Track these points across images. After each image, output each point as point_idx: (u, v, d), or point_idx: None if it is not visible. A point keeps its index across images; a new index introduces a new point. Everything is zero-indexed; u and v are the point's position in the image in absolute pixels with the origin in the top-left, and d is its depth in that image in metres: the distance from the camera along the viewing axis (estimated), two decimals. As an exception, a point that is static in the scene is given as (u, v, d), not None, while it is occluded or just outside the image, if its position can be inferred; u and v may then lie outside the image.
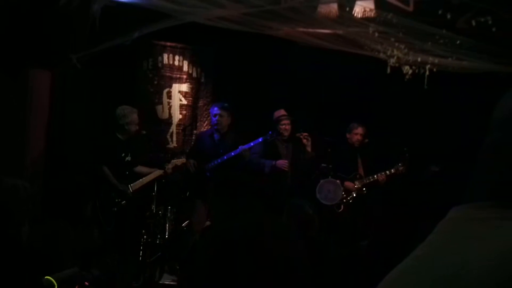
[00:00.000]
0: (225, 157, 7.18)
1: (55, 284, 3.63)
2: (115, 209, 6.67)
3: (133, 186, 6.78)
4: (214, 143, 7.40)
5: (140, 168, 7.04)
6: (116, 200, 6.70)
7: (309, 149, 7.50)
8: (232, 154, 7.17)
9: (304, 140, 7.46)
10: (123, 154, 6.82)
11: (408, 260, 0.91)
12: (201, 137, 7.74)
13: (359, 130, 7.71)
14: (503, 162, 0.89)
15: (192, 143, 8.23)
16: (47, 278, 3.63)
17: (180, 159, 7.23)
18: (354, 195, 7.50)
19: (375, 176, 7.49)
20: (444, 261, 0.83)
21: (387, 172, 7.47)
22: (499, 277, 0.76)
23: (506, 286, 0.76)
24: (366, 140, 7.70)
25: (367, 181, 7.53)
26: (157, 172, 6.98)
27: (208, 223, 7.36)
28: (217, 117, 7.33)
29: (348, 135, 7.77)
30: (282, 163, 7.37)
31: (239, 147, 7.16)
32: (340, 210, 7.39)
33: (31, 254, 3.13)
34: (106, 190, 6.67)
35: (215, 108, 7.43)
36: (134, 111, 6.91)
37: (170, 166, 7.05)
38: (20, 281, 2.92)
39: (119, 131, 6.84)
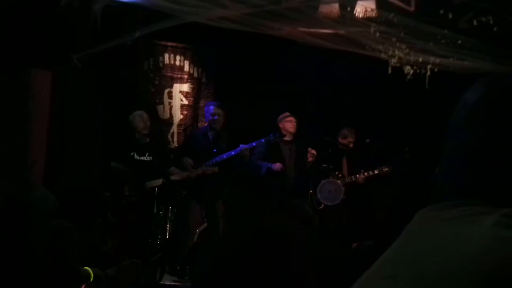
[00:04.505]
0: (224, 156, 6.98)
1: (92, 275, 3.67)
2: (124, 202, 6.72)
3: (148, 185, 6.82)
4: (208, 142, 7.19)
5: (172, 170, 7.09)
6: (125, 195, 6.75)
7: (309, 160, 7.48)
8: (232, 153, 6.98)
9: (310, 157, 7.41)
10: (132, 154, 6.93)
11: (380, 264, 0.91)
12: (195, 135, 7.56)
13: (351, 139, 7.74)
14: (466, 165, 0.93)
15: (184, 140, 8.08)
16: (85, 269, 3.68)
17: (212, 168, 6.96)
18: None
19: (357, 175, 7.51)
20: (421, 261, 0.84)
21: (370, 172, 7.48)
22: (479, 270, 0.77)
23: (488, 277, 0.77)
24: (368, 140, 7.70)
25: (349, 181, 7.54)
26: (182, 174, 6.97)
27: (204, 225, 7.34)
28: (216, 116, 7.15)
29: (340, 140, 7.76)
30: (277, 166, 7.28)
31: (240, 145, 7.00)
32: (321, 207, 7.38)
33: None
34: (118, 183, 6.78)
35: (211, 107, 7.26)
36: (136, 115, 7.00)
37: (199, 171, 6.93)
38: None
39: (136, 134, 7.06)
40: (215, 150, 7.06)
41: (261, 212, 2.39)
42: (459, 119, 0.98)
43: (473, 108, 0.95)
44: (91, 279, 3.69)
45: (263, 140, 7.19)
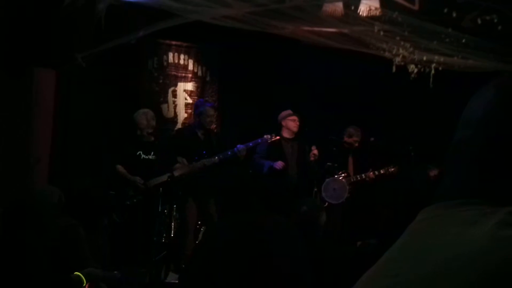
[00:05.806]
0: (221, 156, 6.87)
1: (84, 280, 3.65)
2: (128, 203, 6.73)
3: (153, 182, 6.84)
4: (198, 142, 7.02)
5: (176, 166, 7.08)
6: (130, 194, 6.76)
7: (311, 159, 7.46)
8: (229, 153, 6.88)
9: (312, 157, 7.38)
10: (138, 153, 6.92)
11: (383, 262, 0.91)
12: (183, 134, 7.42)
13: (356, 138, 7.71)
14: (472, 161, 0.90)
15: (171, 139, 7.72)
16: (76, 274, 3.65)
17: (213, 159, 6.88)
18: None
19: (363, 175, 7.47)
20: (424, 260, 0.83)
21: (376, 172, 7.45)
22: (480, 270, 0.77)
23: (489, 277, 0.76)
24: (372, 139, 7.69)
25: (354, 180, 7.51)
26: (184, 168, 6.94)
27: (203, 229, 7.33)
28: (210, 118, 7.04)
29: (346, 138, 7.73)
30: (279, 164, 7.23)
31: (237, 146, 6.90)
32: (325, 205, 7.36)
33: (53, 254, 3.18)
34: (122, 185, 6.81)
35: (207, 108, 7.10)
36: (141, 112, 6.98)
37: (199, 165, 6.87)
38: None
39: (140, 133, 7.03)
40: (204, 152, 6.93)
41: (247, 210, 2.39)
42: (471, 116, 0.94)
43: (488, 105, 0.92)
44: (84, 284, 3.66)
45: (259, 140, 7.16)
